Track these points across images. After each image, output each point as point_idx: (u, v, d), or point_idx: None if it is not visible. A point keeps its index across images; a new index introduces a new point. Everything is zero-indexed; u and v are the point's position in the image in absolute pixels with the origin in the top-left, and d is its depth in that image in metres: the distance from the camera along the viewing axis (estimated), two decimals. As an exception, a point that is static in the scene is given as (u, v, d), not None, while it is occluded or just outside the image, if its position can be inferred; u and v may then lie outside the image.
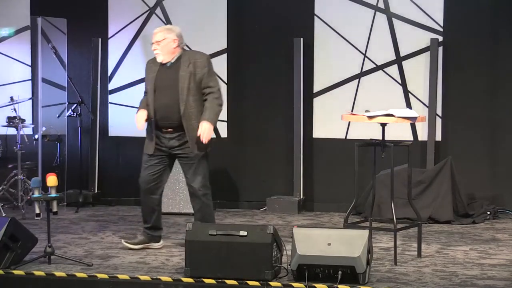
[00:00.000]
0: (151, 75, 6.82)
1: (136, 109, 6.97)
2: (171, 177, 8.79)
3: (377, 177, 7.18)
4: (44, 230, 6.79)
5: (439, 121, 8.82)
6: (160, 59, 6.77)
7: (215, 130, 9.34)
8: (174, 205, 8.79)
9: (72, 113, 9.11)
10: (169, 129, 6.75)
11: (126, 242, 7.02)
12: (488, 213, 8.48)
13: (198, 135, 6.63)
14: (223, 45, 9.29)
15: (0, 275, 6.16)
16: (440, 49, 8.77)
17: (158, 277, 6.02)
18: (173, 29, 6.84)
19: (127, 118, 9.41)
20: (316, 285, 5.73)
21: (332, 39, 9.03)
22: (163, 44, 6.74)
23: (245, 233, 5.91)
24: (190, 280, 5.93)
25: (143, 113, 6.75)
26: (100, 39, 9.43)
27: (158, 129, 6.77)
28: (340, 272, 5.73)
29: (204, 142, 6.62)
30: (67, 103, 9.35)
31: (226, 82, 9.29)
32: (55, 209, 6.49)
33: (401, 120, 6.56)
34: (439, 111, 8.81)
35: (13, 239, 6.32)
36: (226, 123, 9.32)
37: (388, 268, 6.32)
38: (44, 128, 8.93)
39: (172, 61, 6.78)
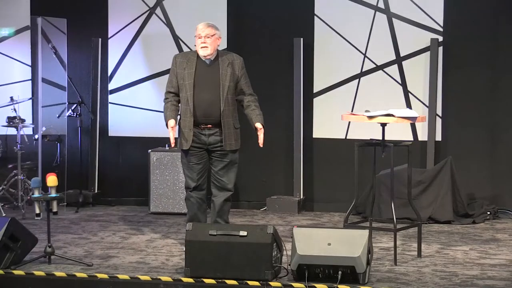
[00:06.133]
0: (189, 71, 6.79)
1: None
2: (171, 177, 8.82)
3: (377, 177, 7.18)
4: (44, 230, 6.79)
5: (439, 121, 8.81)
6: (206, 53, 6.76)
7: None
8: (174, 205, 8.79)
9: (72, 113, 9.10)
10: (208, 125, 6.80)
11: None
12: (488, 213, 8.48)
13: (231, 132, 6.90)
14: (223, 45, 9.27)
15: (0, 275, 6.16)
16: (440, 49, 8.77)
17: (158, 277, 6.02)
18: (219, 28, 6.91)
19: (127, 118, 9.41)
20: (316, 285, 5.73)
21: (332, 39, 9.03)
22: (213, 39, 6.76)
23: (245, 233, 5.91)
24: (190, 280, 5.93)
25: (173, 123, 6.66)
26: (100, 39, 9.41)
27: (196, 125, 6.78)
28: (340, 272, 5.74)
29: (261, 145, 6.92)
30: (67, 103, 9.34)
31: (226, 82, 9.28)
32: (55, 209, 6.50)
33: (401, 120, 6.56)
34: (439, 111, 8.80)
35: (13, 239, 6.32)
36: (226, 123, 9.30)
37: (388, 268, 6.32)
38: (44, 128, 8.92)
39: (212, 58, 6.82)
